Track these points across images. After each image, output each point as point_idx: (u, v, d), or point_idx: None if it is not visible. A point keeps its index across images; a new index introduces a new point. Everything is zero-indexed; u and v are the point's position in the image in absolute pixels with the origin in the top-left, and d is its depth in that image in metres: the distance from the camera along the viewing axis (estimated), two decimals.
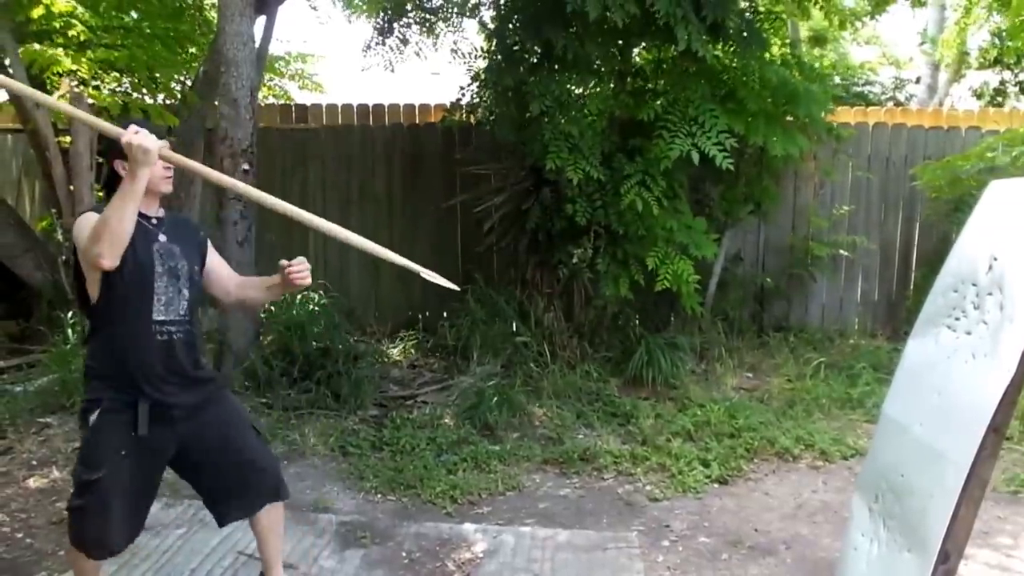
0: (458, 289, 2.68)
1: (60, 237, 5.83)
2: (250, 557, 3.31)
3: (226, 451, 2.67)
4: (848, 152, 6.94)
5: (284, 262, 2.55)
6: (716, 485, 4.19)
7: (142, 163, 2.26)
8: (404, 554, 3.43)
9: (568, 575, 3.26)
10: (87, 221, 2.38)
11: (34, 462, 4.34)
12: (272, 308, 5.91)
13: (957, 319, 2.14)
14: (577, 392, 5.37)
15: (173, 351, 2.54)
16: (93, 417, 2.43)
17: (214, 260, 2.74)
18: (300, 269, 2.53)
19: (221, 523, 2.80)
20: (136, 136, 2.25)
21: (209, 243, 2.76)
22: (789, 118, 5.83)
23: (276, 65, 8.00)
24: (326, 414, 5.02)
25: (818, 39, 8.19)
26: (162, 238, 2.54)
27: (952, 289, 2.19)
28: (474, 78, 6.41)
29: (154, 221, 2.55)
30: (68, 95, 5.30)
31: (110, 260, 2.29)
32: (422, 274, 2.54)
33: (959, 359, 2.07)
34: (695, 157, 5.05)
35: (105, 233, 2.25)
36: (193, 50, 6.46)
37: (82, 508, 2.45)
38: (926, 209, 6.94)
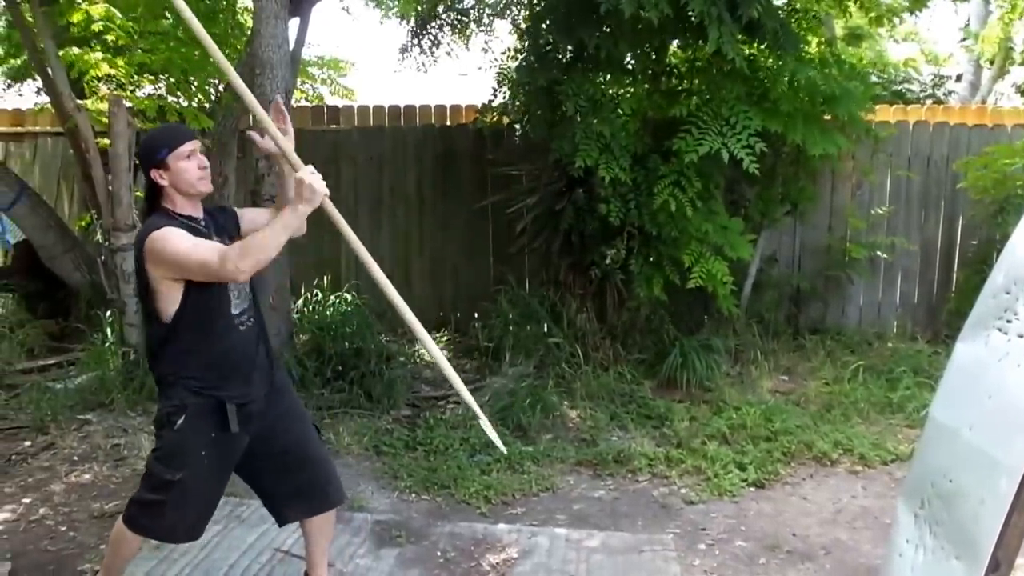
0: (504, 451, 3.21)
1: (100, 238, 5.93)
2: (286, 554, 3.37)
3: (293, 446, 2.75)
4: (888, 152, 6.84)
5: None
6: (753, 489, 4.18)
7: (308, 202, 2.36)
8: (439, 553, 3.46)
9: None
10: (174, 236, 2.39)
11: (75, 458, 4.43)
12: (305, 309, 5.99)
13: (1009, 321, 2.08)
14: (610, 394, 5.37)
15: (254, 339, 2.65)
16: (180, 421, 2.50)
17: (246, 216, 2.78)
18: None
19: (281, 522, 2.88)
20: (310, 177, 2.36)
21: (237, 210, 2.83)
22: (827, 117, 5.77)
23: (308, 70, 8.10)
24: (360, 414, 5.06)
25: (854, 36, 8.08)
26: (214, 239, 2.57)
27: (1004, 290, 2.13)
28: (506, 78, 6.45)
29: (202, 223, 2.58)
30: (109, 98, 5.39)
31: (247, 277, 2.41)
32: (482, 425, 2.74)
33: (1011, 362, 2.02)
34: (724, 156, 5.02)
35: (256, 254, 2.32)
36: (227, 51, 6.55)
37: (161, 503, 2.55)
38: (970, 210, 6.83)
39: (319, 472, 2.80)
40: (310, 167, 2.40)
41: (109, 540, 2.77)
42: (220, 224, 2.67)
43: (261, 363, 2.66)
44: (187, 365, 2.52)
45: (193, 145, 2.52)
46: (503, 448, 2.99)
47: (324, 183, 2.38)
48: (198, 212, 2.58)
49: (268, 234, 2.35)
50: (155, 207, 2.55)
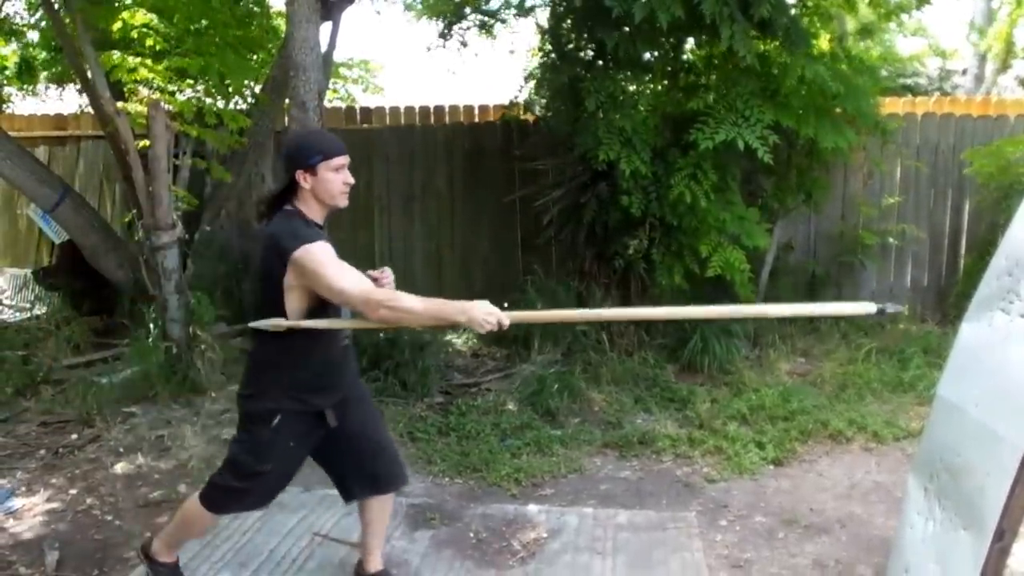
0: None
1: (140, 237, 6.07)
2: (325, 537, 3.46)
3: (363, 434, 2.84)
4: (897, 142, 6.91)
5: (373, 272, 2.70)
6: (771, 467, 4.27)
7: (477, 326, 2.38)
8: (472, 534, 3.55)
9: (629, 554, 3.36)
10: (325, 256, 2.44)
11: (121, 449, 4.53)
12: None
13: (1011, 302, 2.16)
14: (635, 378, 5.47)
15: (351, 352, 2.79)
16: (276, 421, 2.60)
17: None
18: (387, 278, 2.73)
19: (348, 500, 2.96)
20: (491, 316, 2.37)
21: None
22: (838, 111, 5.86)
23: (340, 70, 8.20)
24: (395, 401, 5.17)
25: (866, 31, 8.14)
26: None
27: (1007, 273, 2.21)
28: (530, 76, 6.55)
29: (324, 232, 2.63)
30: (148, 102, 5.52)
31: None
32: None
33: (1014, 342, 2.10)
34: (740, 144, 5.12)
35: (397, 316, 2.42)
36: (262, 55, 6.69)
37: (247, 490, 2.69)
38: (976, 197, 6.94)
39: (387, 454, 2.91)
40: (479, 306, 2.38)
41: (179, 516, 2.85)
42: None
43: (349, 370, 2.79)
44: (296, 368, 2.58)
45: (345, 160, 2.56)
46: None
47: (489, 313, 2.37)
48: (321, 220, 2.62)
49: (419, 314, 2.42)
50: (282, 205, 2.58)
